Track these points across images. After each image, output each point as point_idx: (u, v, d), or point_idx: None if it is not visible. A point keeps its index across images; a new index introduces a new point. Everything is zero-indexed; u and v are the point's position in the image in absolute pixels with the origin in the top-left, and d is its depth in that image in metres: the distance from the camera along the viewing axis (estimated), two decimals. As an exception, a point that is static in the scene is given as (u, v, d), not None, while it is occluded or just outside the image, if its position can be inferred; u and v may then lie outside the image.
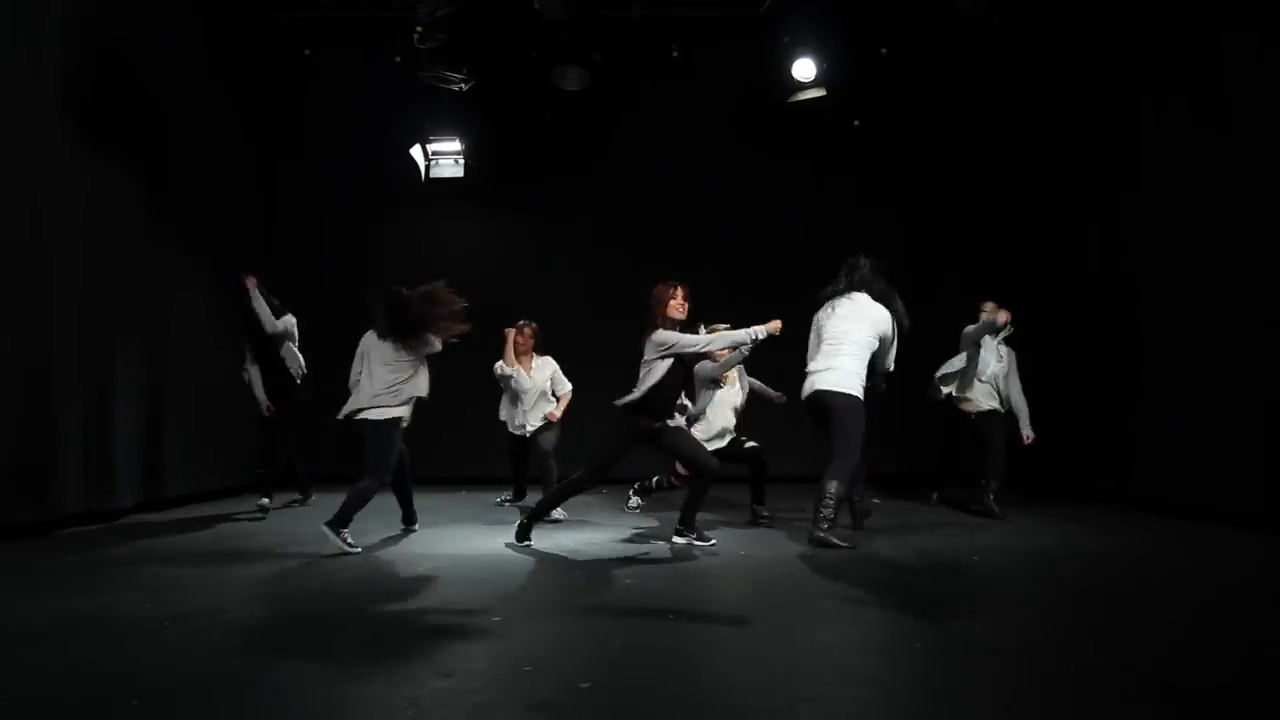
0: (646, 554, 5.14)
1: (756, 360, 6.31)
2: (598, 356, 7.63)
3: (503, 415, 7.33)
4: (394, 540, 5.81)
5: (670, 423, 5.37)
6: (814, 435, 5.65)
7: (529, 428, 7.12)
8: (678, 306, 5.32)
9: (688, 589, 4.36)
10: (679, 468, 6.37)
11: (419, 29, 7.68)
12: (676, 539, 5.49)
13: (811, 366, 5.62)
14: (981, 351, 6.71)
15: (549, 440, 7.09)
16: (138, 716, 2.62)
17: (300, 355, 7.09)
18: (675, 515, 5.66)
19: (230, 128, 8.33)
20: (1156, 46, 6.97)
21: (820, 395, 5.48)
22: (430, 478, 8.24)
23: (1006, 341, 6.82)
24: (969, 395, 6.79)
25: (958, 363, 6.77)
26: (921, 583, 4.55)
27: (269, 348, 6.93)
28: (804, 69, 8.20)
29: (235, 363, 7.25)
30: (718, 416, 6.54)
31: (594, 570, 4.79)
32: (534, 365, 7.17)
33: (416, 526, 6.20)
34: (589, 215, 9.20)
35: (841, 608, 3.96)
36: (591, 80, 8.58)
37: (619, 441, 5.36)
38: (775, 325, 5.25)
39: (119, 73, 6.64)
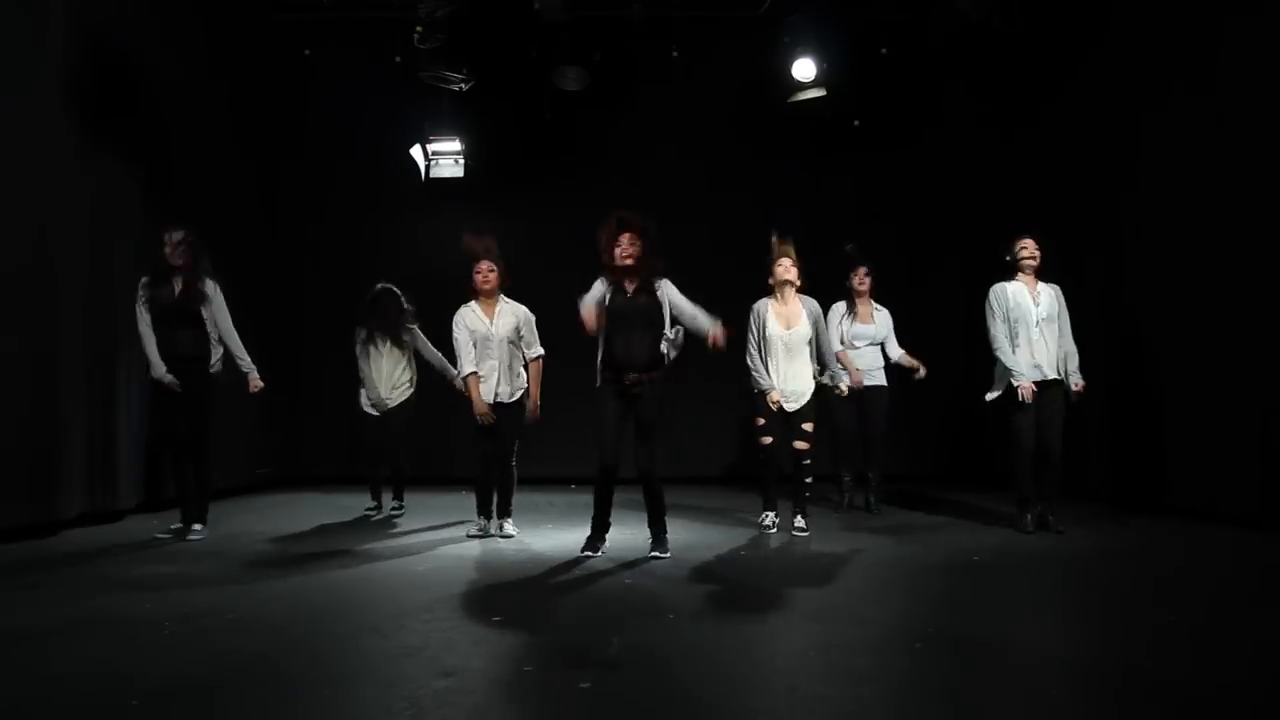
0: (646, 554, 5.14)
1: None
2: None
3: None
4: (393, 539, 5.82)
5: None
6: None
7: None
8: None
9: (687, 589, 4.36)
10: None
11: (419, 29, 7.67)
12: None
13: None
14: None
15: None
16: (138, 716, 2.62)
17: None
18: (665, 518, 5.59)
19: (231, 128, 8.32)
20: (1157, 47, 6.96)
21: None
22: (431, 477, 8.24)
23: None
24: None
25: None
26: (922, 582, 4.56)
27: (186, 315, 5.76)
28: (804, 69, 8.20)
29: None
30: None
31: (594, 570, 4.79)
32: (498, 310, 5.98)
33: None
34: (589, 215, 9.16)
35: (841, 608, 3.96)
36: (591, 80, 8.57)
37: None
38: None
39: (121, 73, 6.62)
